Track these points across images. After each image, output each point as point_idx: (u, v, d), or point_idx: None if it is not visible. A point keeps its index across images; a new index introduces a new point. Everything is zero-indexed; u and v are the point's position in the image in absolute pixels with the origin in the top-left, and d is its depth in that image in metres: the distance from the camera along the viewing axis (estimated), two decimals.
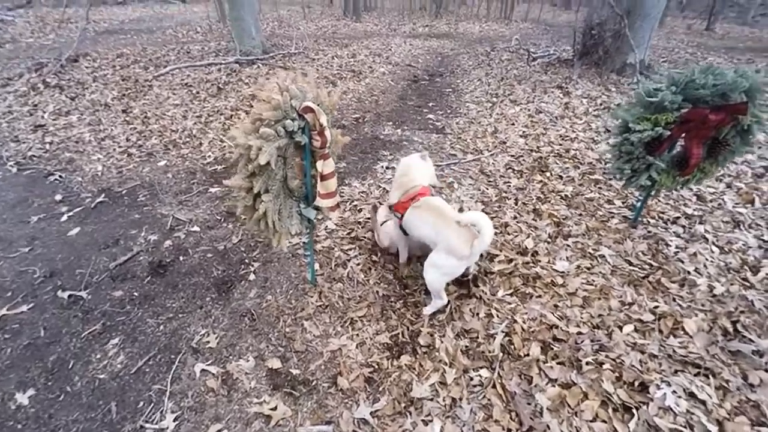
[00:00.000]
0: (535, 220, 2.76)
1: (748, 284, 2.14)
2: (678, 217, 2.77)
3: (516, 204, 2.97)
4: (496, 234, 2.56)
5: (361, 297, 2.14)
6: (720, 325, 1.87)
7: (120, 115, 4.54)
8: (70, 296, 2.16)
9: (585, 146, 3.98)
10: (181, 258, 2.46)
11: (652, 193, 2.39)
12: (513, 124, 4.61)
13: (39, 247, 2.55)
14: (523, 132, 4.35)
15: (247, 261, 2.42)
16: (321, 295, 2.13)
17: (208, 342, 1.88)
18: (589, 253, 2.42)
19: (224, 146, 3.97)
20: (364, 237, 2.60)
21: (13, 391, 1.67)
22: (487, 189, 3.21)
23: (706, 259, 2.34)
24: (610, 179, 3.31)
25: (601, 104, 5.19)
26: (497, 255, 2.36)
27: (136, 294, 2.18)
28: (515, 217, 2.78)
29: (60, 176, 3.38)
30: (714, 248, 2.45)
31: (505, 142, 4.11)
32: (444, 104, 5.54)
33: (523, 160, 3.72)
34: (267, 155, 1.46)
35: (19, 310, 2.06)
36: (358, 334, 1.91)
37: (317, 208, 1.86)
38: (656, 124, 2.02)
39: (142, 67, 6.23)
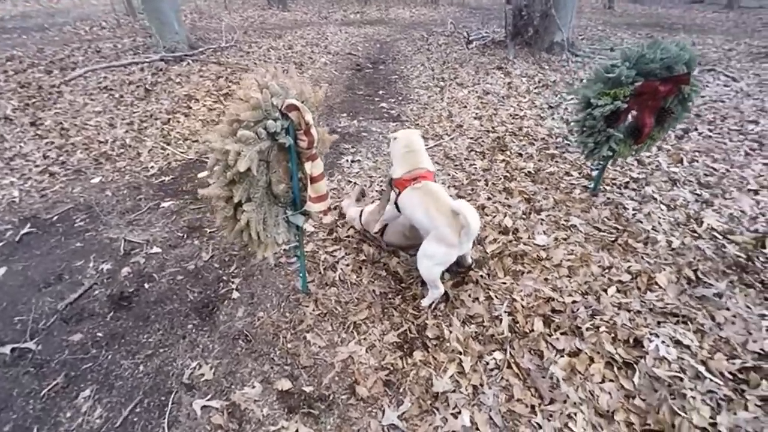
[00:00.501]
0: (507, 199, 2.86)
1: (696, 235, 2.43)
2: (627, 182, 3.04)
3: (486, 185, 3.06)
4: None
5: (358, 299, 2.07)
6: (684, 275, 2.10)
7: (28, 129, 3.88)
8: (13, 350, 1.81)
9: (534, 123, 4.20)
10: (146, 285, 2.18)
11: (610, 162, 2.59)
12: (465, 106, 4.72)
13: None
14: (477, 114, 4.48)
15: (225, 278, 2.22)
16: (317, 303, 2.02)
17: (203, 374, 1.69)
18: (562, 224, 2.57)
19: (167, 154, 3.57)
20: (347, 237, 2.51)
21: None
22: (456, 173, 3.27)
23: (659, 217, 2.60)
24: (564, 153, 3.54)
25: (539, 82, 5.51)
26: (486, 236, 2.41)
27: (99, 334, 1.90)
28: (489, 198, 2.86)
29: None
30: (662, 206, 2.73)
31: (461, 125, 4.20)
32: (393, 91, 5.51)
33: (483, 141, 3.83)
34: (247, 161, 1.32)
35: None
36: (365, 338, 1.84)
37: (305, 214, 1.74)
38: (615, 98, 2.16)
39: (43, 71, 5.35)
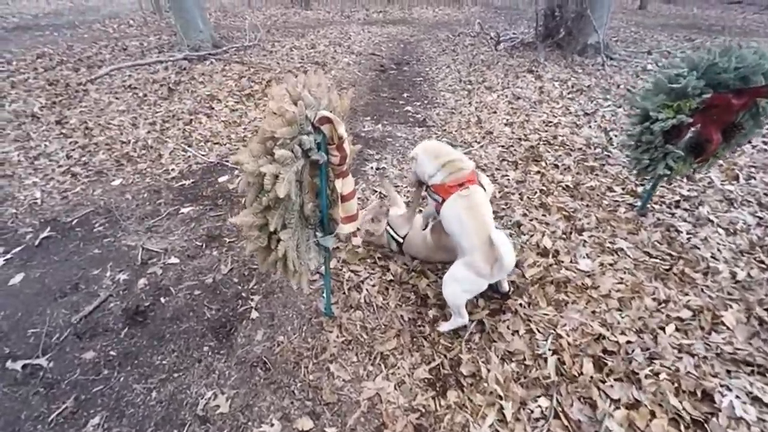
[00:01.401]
0: (545, 216, 2.65)
1: (765, 266, 2.16)
2: (678, 201, 2.78)
3: (521, 199, 2.84)
4: (513, 236, 2.42)
5: (386, 325, 1.90)
6: (755, 315, 1.85)
7: (54, 128, 3.87)
8: (24, 366, 1.73)
9: (570, 131, 3.95)
10: (162, 299, 2.07)
11: (663, 181, 2.35)
12: (494, 112, 4.50)
13: None
14: (507, 120, 4.25)
15: (244, 295, 2.09)
16: (341, 328, 1.87)
17: (218, 406, 1.57)
18: (608, 247, 2.34)
19: (188, 157, 3.50)
20: (374, 253, 2.35)
21: None
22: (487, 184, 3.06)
23: (718, 243, 2.34)
24: (604, 165, 3.29)
25: (572, 86, 5.23)
26: (525, 259, 2.21)
27: (113, 353, 1.80)
28: (525, 214, 2.66)
29: None
30: (720, 230, 2.47)
31: (491, 132, 3.99)
32: (419, 94, 5.33)
33: (515, 150, 3.61)
34: (286, 184, 1.17)
35: None
36: (393, 372, 1.68)
37: (335, 235, 1.59)
38: (678, 112, 1.93)
39: (71, 68, 5.40)
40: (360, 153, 3.63)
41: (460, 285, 1.71)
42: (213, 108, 4.34)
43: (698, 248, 2.30)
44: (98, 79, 4.95)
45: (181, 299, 2.08)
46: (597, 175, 3.15)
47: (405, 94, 5.31)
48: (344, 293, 2.07)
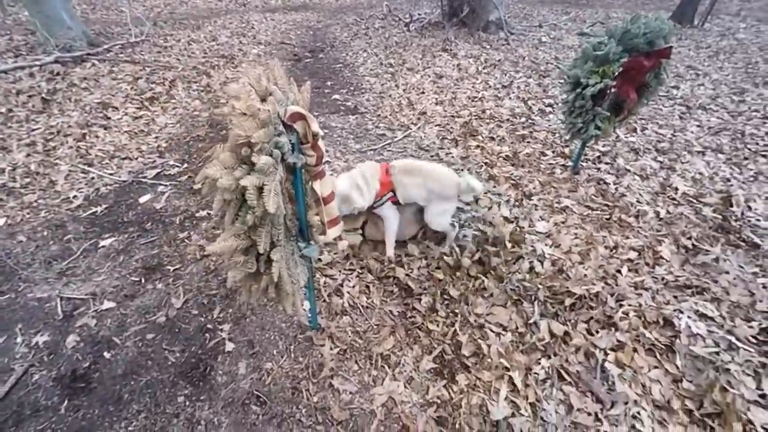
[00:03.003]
0: (495, 187, 2.77)
1: (676, 202, 2.55)
2: (599, 156, 3.13)
3: (470, 174, 2.93)
4: (474, 208, 2.49)
5: (377, 325, 1.83)
6: (682, 244, 2.18)
7: None
8: None
9: (494, 104, 4.18)
10: (106, 354, 1.72)
11: (592, 140, 2.61)
12: (422, 92, 4.56)
13: None
14: (436, 99, 4.34)
15: (210, 327, 1.83)
16: (333, 339, 1.75)
17: None
18: (556, 207, 2.54)
19: (91, 179, 2.92)
20: (339, 253, 2.23)
21: None
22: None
23: (638, 189, 2.69)
24: (532, 133, 3.55)
25: (485, 62, 5.52)
26: (491, 230, 2.28)
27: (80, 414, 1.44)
28: None
29: None
30: (636, 177, 2.84)
31: (425, 113, 4.04)
32: (342, 81, 5.16)
33: (451, 128, 3.71)
34: (275, 197, 1.00)
35: None
36: (399, 371, 1.62)
37: (318, 243, 1.45)
38: (604, 76, 2.13)
39: None
40: None
41: (445, 214, 2.09)
42: (110, 118, 3.67)
43: (626, 195, 2.62)
44: None
45: (131, 349, 1.74)
46: (529, 142, 3.39)
47: (328, 83, 5.10)
48: (325, 301, 1.94)
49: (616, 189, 2.70)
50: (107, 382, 1.62)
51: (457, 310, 1.88)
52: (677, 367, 1.58)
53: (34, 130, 3.44)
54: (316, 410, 1.50)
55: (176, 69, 4.82)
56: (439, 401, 1.52)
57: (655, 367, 1.59)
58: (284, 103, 1.14)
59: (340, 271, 2.10)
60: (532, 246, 2.20)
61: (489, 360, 1.65)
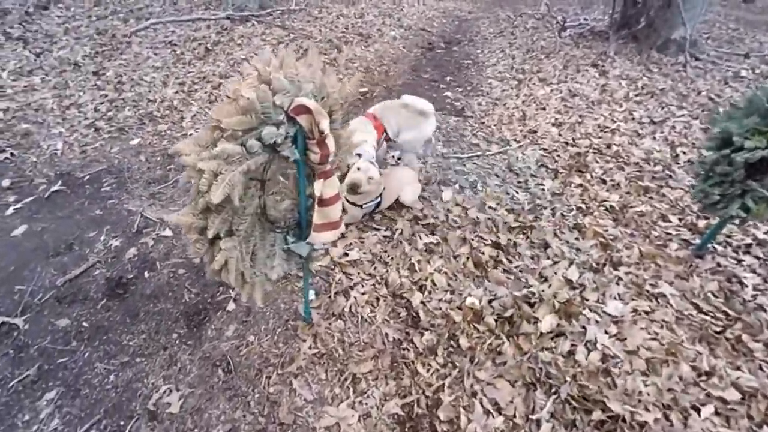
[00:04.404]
0: (578, 240, 2.29)
1: None
2: (749, 245, 2.29)
3: (553, 215, 2.48)
4: (535, 260, 2.11)
5: (366, 342, 1.71)
6: None
7: (90, 78, 3.92)
8: (2, 324, 1.72)
9: (628, 140, 3.42)
10: (146, 274, 2.00)
11: (736, 221, 1.91)
12: (543, 108, 4.01)
13: None
14: (556, 119, 3.77)
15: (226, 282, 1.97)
16: (316, 338, 1.70)
17: (170, 404, 1.47)
18: (647, 290, 1.97)
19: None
20: (373, 257, 2.14)
21: None
22: (517, 192, 2.71)
23: None
24: (662, 187, 2.80)
25: (642, 87, 4.55)
26: (542, 291, 1.90)
27: (85, 324, 1.75)
28: (555, 234, 2.31)
29: (12, 154, 2.85)
30: None
31: (535, 131, 3.55)
32: (463, 79, 4.88)
33: (558, 155, 3.18)
34: (225, 188, 0.97)
35: None
36: (361, 401, 1.50)
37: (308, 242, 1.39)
38: None
39: (121, 18, 5.46)
40: None
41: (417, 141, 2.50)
42: (242, 73, 4.20)
43: (764, 310, 1.87)
44: (141, 32, 4.96)
45: (164, 276, 1.99)
46: (651, 198, 2.69)
47: (448, 78, 4.89)
48: (330, 297, 1.89)
49: (753, 297, 1.95)
50: (136, 297, 1.89)
51: (458, 363, 1.63)
52: None
53: (189, 72, 4.15)
54: (268, 401, 1.49)
55: (314, 39, 5.22)
56: None
57: None
58: (291, 93, 1.07)
59: (358, 273, 2.03)
60: (585, 326, 1.75)
61: None
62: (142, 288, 1.93)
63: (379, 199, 2.22)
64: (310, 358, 1.63)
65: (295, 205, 1.34)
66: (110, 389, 1.52)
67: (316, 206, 1.25)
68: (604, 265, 2.12)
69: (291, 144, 1.14)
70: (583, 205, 2.59)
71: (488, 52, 5.93)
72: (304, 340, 1.69)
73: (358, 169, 2.00)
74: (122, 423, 1.42)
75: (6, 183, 2.56)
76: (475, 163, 3.07)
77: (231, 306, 1.84)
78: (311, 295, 1.88)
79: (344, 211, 1.43)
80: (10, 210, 2.36)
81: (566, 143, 3.37)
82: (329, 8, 7.03)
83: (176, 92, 3.77)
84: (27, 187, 2.58)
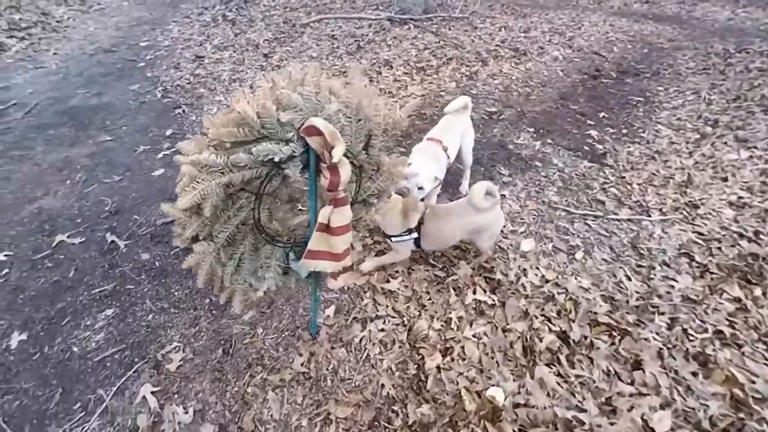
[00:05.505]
0: (695, 377, 1.61)
1: None
2: None
3: (670, 329, 1.81)
4: (610, 378, 1.57)
5: (358, 385, 1.55)
6: None
7: (260, 59, 4.65)
8: (112, 243, 2.18)
9: None
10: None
11: None
12: (725, 179, 2.97)
13: (127, 179, 2.70)
14: (739, 198, 2.74)
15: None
16: (311, 358, 1.63)
17: (172, 361, 1.61)
18: None
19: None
20: (419, 289, 1.93)
21: (12, 330, 1.72)
22: (629, 279, 2.08)
23: None
24: None
25: None
26: (615, 417, 1.41)
27: (157, 264, 2.07)
28: (660, 357, 1.67)
29: (183, 110, 3.59)
30: None
31: (696, 206, 2.66)
32: (621, 119, 4.02)
33: (719, 249, 2.31)
34: (194, 197, 0.94)
35: (73, 242, 2.17)
36: None
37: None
38: None
39: (306, 11, 6.32)
40: (492, 167, 3.02)
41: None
42: (380, 73, 4.36)
43: None
44: (314, 24, 5.63)
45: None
46: None
47: (601, 114, 4.09)
48: (346, 321, 1.79)
49: None
50: (175, 276, 2.08)
51: None
52: None
53: (335, 65, 4.51)
54: (241, 399, 1.49)
55: (462, 49, 5.05)
56: None
57: None
58: (306, 111, 0.98)
59: (388, 306, 1.86)
60: None
61: None
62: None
63: (416, 235, 1.86)
64: (296, 375, 1.57)
65: (307, 223, 1.27)
66: (144, 326, 1.76)
67: (315, 230, 1.15)
68: None
69: (300, 164, 1.06)
70: (729, 331, 1.81)
71: (674, 91, 4.75)
72: (300, 354, 1.64)
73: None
74: (136, 360, 1.63)
75: (168, 132, 3.24)
76: (587, 224, 2.48)
77: (260, 293, 1.92)
78: (330, 310, 1.81)
79: (352, 246, 1.29)
80: (160, 155, 2.98)
81: (741, 235, 2.42)
82: (494, 18, 6.70)
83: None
84: (182, 138, 3.22)
